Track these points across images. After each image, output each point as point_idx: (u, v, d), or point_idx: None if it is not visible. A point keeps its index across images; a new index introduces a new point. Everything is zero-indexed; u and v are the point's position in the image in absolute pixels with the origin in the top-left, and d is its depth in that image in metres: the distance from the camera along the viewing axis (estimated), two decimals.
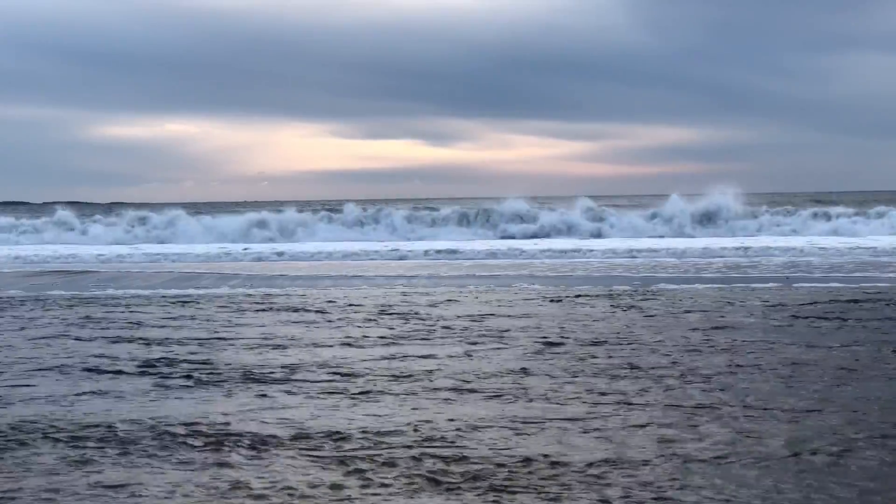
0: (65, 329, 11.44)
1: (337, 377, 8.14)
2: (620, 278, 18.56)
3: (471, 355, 9.17)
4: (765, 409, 6.72)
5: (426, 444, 5.90)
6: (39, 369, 8.69)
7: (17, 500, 4.98)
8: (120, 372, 8.51)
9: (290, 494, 5.00)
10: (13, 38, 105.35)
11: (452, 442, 5.94)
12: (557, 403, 6.99)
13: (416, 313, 12.53)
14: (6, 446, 5.97)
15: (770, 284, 16.54)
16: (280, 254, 28.64)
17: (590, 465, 5.42)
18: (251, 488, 5.09)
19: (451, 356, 9.12)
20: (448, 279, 19.13)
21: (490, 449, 5.77)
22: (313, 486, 5.11)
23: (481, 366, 8.60)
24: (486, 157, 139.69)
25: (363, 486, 5.11)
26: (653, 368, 8.33)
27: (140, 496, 4.99)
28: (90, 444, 6.01)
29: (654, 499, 4.86)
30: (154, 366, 8.78)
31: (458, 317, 12.12)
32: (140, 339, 10.53)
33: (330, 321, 11.96)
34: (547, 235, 37.44)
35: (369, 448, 5.83)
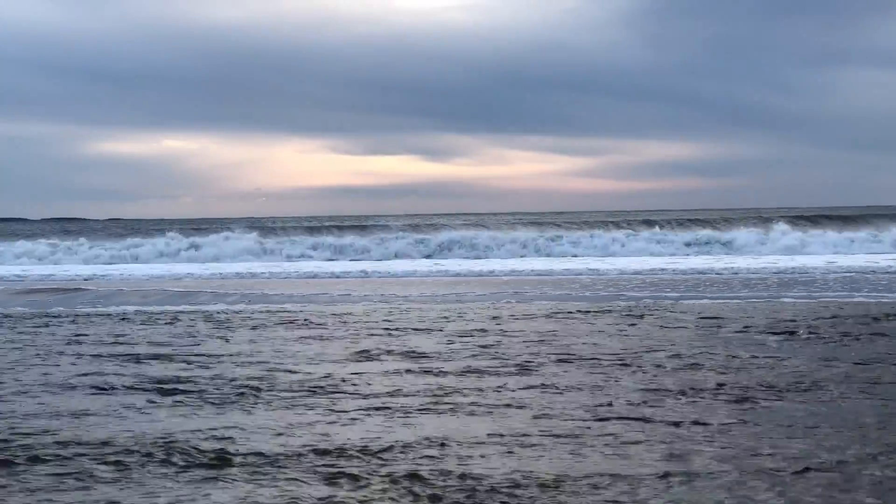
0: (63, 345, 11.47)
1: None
2: None
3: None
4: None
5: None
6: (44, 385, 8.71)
7: None
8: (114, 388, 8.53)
9: None
10: (12, 55, 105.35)
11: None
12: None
13: None
14: (8, 461, 6.00)
15: None
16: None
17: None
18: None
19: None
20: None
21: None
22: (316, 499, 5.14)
23: None
24: (485, 173, 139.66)
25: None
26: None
27: None
28: (91, 460, 6.03)
29: None
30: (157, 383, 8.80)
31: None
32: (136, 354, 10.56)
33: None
34: None
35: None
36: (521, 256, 36.62)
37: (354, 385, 8.51)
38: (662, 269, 26.45)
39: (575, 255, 36.04)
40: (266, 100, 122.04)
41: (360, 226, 49.89)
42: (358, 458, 5.98)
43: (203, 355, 10.50)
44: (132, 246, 38.85)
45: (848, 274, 23.53)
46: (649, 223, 47.16)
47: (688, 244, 38.46)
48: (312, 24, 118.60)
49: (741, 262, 29.35)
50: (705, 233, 40.74)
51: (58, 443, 6.47)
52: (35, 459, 6.04)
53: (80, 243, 39.57)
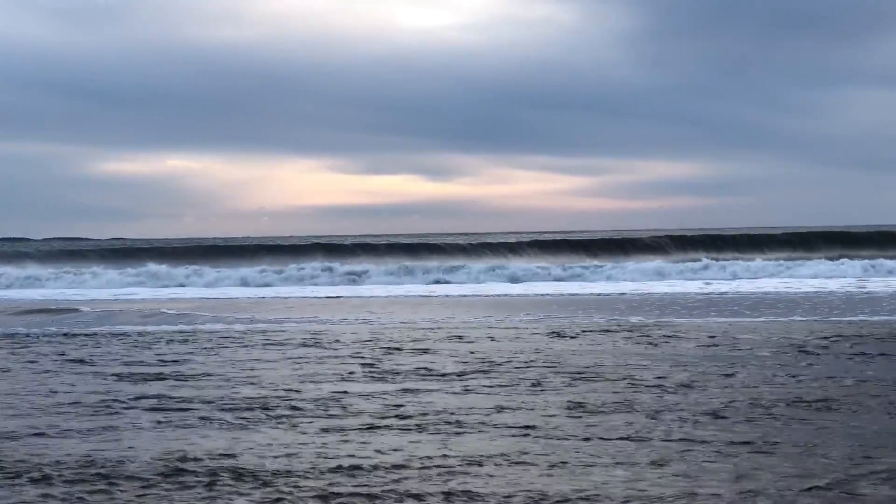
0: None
1: None
2: None
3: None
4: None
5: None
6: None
7: None
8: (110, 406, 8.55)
9: None
10: (13, 75, 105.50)
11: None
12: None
13: None
14: (16, 482, 6.01)
15: None
16: None
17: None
18: None
19: None
20: None
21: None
22: None
23: None
24: (486, 192, 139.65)
25: None
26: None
27: None
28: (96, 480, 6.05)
29: None
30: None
31: None
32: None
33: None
34: None
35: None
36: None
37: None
38: None
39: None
40: (268, 119, 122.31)
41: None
42: (354, 477, 6.00)
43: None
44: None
45: None
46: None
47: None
48: (314, 43, 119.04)
49: None
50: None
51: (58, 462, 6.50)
52: (41, 479, 6.07)
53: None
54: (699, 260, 38.18)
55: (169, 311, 20.71)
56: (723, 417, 7.72)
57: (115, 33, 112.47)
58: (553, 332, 14.72)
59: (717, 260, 38.25)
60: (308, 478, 6.00)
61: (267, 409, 8.40)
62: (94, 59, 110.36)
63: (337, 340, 13.95)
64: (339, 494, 5.63)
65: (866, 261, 36.12)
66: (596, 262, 39.27)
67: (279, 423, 7.80)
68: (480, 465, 6.25)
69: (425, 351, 12.47)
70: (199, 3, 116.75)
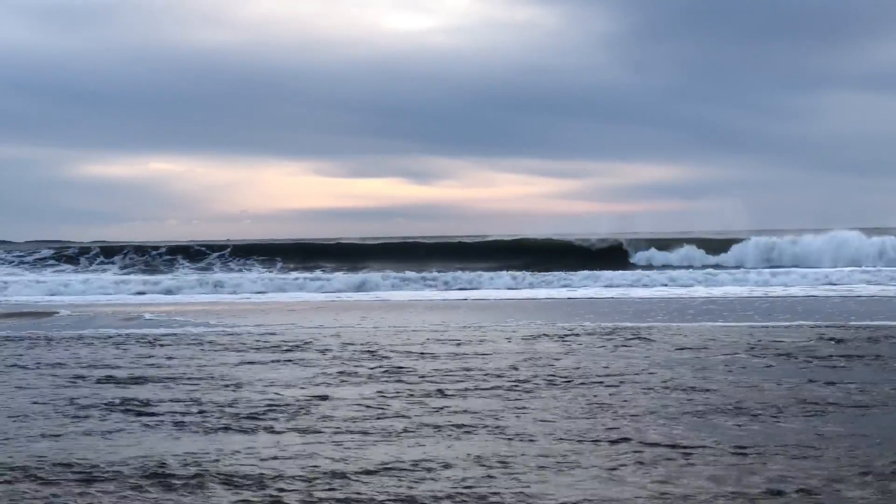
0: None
1: None
2: None
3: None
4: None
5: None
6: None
7: None
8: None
9: None
10: None
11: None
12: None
13: None
14: None
15: None
16: None
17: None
18: None
19: None
20: None
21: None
22: None
23: None
24: (470, 195, 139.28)
25: None
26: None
27: None
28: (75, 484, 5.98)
29: None
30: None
31: None
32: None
33: None
34: None
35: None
36: None
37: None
38: None
39: None
40: (252, 122, 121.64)
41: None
42: (335, 481, 5.95)
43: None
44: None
45: None
46: None
47: None
48: (299, 46, 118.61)
49: None
50: None
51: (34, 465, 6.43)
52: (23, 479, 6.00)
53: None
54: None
55: (148, 316, 20.58)
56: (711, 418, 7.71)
57: (98, 35, 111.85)
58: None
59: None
60: (294, 481, 5.95)
61: (250, 412, 8.34)
62: (77, 61, 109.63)
63: (328, 347, 13.90)
64: (323, 500, 5.58)
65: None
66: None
67: (261, 426, 7.74)
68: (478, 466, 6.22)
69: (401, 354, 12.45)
70: (183, 6, 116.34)
